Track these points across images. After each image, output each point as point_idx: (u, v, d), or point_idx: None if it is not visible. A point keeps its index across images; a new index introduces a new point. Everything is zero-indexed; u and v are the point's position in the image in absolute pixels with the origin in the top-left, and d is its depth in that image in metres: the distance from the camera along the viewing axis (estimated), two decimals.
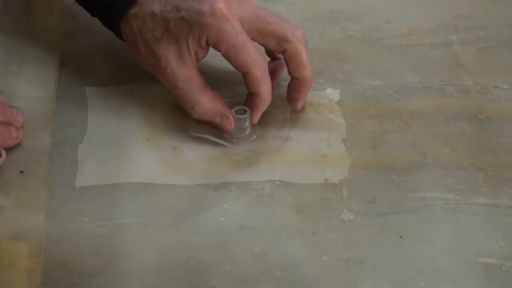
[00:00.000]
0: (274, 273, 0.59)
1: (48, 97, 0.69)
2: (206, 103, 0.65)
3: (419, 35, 0.76)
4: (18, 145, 0.65)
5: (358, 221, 0.62)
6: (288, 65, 0.67)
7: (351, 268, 0.60)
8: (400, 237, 0.61)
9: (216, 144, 0.67)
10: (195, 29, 0.63)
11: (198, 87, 0.65)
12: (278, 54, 0.69)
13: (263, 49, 0.69)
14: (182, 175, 0.65)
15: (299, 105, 0.68)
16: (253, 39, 0.65)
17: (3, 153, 0.64)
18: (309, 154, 0.66)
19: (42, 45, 0.73)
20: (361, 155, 0.66)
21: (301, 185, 0.64)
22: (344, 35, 0.76)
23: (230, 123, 0.66)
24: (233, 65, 0.65)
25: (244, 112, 0.66)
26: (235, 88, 0.69)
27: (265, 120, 0.67)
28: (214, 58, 0.66)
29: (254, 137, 0.67)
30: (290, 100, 0.68)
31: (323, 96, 0.70)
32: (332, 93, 0.71)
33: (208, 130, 0.67)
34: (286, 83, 0.70)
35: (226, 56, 0.64)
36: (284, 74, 0.70)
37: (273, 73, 0.68)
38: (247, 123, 0.67)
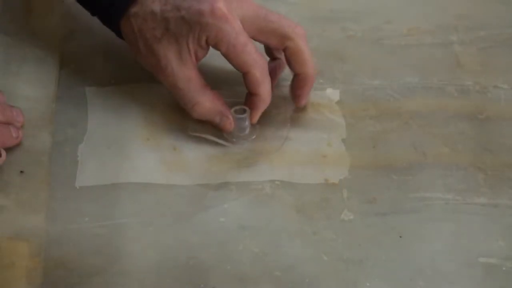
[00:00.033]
0: (274, 273, 0.59)
1: (48, 97, 0.69)
2: (206, 103, 0.65)
3: (419, 35, 0.76)
4: (18, 145, 0.65)
5: (358, 221, 0.62)
6: (290, 62, 0.67)
7: (351, 268, 0.60)
8: (400, 237, 0.61)
9: (216, 144, 0.67)
10: (195, 29, 0.63)
11: (198, 87, 0.65)
12: (278, 53, 0.69)
13: (262, 48, 0.69)
14: (182, 175, 0.65)
15: (303, 102, 0.68)
16: (254, 37, 0.66)
17: (3, 153, 0.64)
18: (309, 154, 0.66)
19: (42, 45, 0.73)
20: (361, 155, 0.66)
21: (301, 185, 0.64)
22: (344, 35, 0.76)
23: (229, 123, 0.66)
24: (233, 65, 0.65)
25: (244, 112, 0.66)
26: (235, 88, 0.69)
27: (265, 120, 0.67)
28: (214, 58, 0.66)
29: (253, 137, 0.67)
30: (293, 97, 0.68)
31: (323, 96, 0.70)
32: (332, 93, 0.71)
33: (207, 130, 0.67)
34: (286, 83, 0.71)
35: (226, 56, 0.64)
36: (284, 74, 0.71)
37: (272, 73, 0.68)
38: (247, 123, 0.67)
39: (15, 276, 0.58)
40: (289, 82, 0.71)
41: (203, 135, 0.67)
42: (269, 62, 0.69)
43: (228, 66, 0.65)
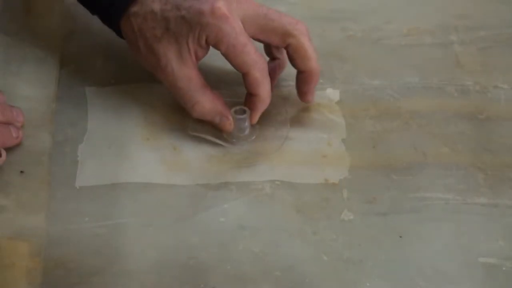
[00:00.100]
0: (274, 273, 0.59)
1: (48, 97, 0.69)
2: (206, 103, 0.65)
3: (419, 35, 0.76)
4: (18, 145, 0.65)
5: (358, 221, 0.62)
6: (293, 60, 0.67)
7: (351, 268, 0.60)
8: (400, 237, 0.61)
9: (216, 144, 0.67)
10: (195, 29, 0.63)
11: (198, 87, 0.65)
12: (278, 53, 0.69)
13: (262, 48, 0.69)
14: (182, 175, 0.65)
15: (310, 98, 0.68)
16: (255, 36, 0.66)
17: (3, 153, 0.64)
18: (309, 154, 0.66)
19: (42, 45, 0.73)
20: (361, 155, 0.66)
21: (301, 185, 0.64)
22: (344, 35, 0.76)
23: (229, 124, 0.66)
24: (232, 65, 0.65)
25: (244, 112, 0.66)
26: (235, 88, 0.69)
27: (265, 120, 0.67)
28: (214, 58, 0.66)
29: (253, 137, 0.67)
30: (300, 94, 0.68)
31: (323, 96, 0.70)
32: (332, 93, 0.71)
33: (207, 129, 0.67)
34: (286, 83, 0.71)
35: (226, 56, 0.64)
36: (284, 74, 0.71)
37: (272, 73, 0.68)
38: (247, 123, 0.67)
39: (15, 276, 0.58)
40: (289, 82, 0.71)
41: (203, 136, 0.67)
42: (268, 62, 0.69)
43: (228, 66, 0.65)
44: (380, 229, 0.62)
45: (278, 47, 0.69)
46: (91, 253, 0.60)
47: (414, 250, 0.61)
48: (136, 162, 0.65)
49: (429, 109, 0.70)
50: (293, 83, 0.70)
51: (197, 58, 0.65)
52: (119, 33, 0.68)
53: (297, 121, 0.69)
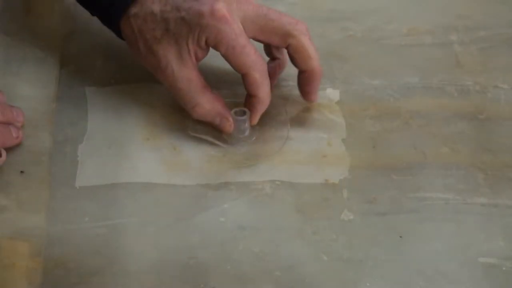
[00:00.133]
0: (274, 273, 0.59)
1: (48, 97, 0.69)
2: (206, 104, 0.65)
3: (419, 35, 0.76)
4: (18, 145, 0.65)
5: (358, 221, 0.62)
6: (294, 60, 0.67)
7: (351, 268, 0.60)
8: (400, 237, 0.61)
9: (216, 144, 0.67)
10: (194, 30, 0.63)
11: (198, 88, 0.65)
12: (278, 53, 0.69)
13: (261, 49, 0.69)
14: (182, 175, 0.65)
15: (314, 97, 0.68)
16: (255, 37, 0.66)
17: (3, 153, 0.64)
18: (309, 154, 0.66)
19: (42, 45, 0.73)
20: (361, 155, 0.66)
21: (301, 185, 0.64)
22: (344, 35, 0.76)
23: (229, 125, 0.66)
24: (232, 66, 0.65)
25: (244, 113, 0.66)
26: (235, 89, 0.69)
27: (264, 121, 0.67)
28: (214, 58, 0.66)
29: (253, 138, 0.67)
30: (303, 94, 0.68)
31: (323, 96, 0.70)
32: (332, 93, 0.71)
33: (207, 130, 0.67)
34: (286, 83, 0.71)
35: (225, 57, 0.64)
36: (284, 74, 0.71)
37: (272, 73, 0.68)
38: (247, 125, 0.67)
39: (15, 276, 0.58)
40: (289, 82, 0.71)
41: (202, 136, 0.67)
42: (268, 62, 0.69)
43: (228, 66, 0.65)
44: (380, 229, 0.62)
45: (278, 47, 0.69)
46: (91, 253, 0.60)
47: (414, 250, 0.61)
48: (136, 162, 0.65)
49: (429, 109, 0.70)
50: (293, 83, 0.70)
51: (197, 59, 0.65)
52: (119, 34, 0.68)
53: (297, 121, 0.68)
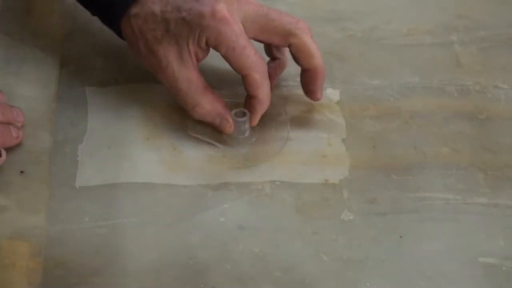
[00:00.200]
0: (274, 273, 0.59)
1: (48, 97, 0.69)
2: (207, 104, 0.65)
3: (419, 35, 0.76)
4: (18, 145, 0.65)
5: (358, 221, 0.62)
6: (297, 59, 0.67)
7: (351, 268, 0.60)
8: (400, 237, 0.61)
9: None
10: (195, 31, 0.63)
11: (198, 89, 0.65)
12: (278, 53, 0.69)
13: (261, 49, 0.69)
14: (182, 175, 0.65)
15: (319, 95, 0.68)
16: (256, 37, 0.66)
17: (3, 153, 0.64)
18: (309, 154, 0.66)
19: (42, 45, 0.73)
20: (361, 155, 0.66)
21: (301, 185, 0.64)
22: (344, 35, 0.76)
23: (229, 126, 0.66)
24: (232, 67, 0.65)
25: (244, 115, 0.66)
26: (236, 89, 0.69)
27: (264, 122, 0.67)
28: (214, 58, 0.66)
29: (253, 139, 0.67)
30: (307, 93, 0.68)
31: (323, 96, 0.70)
32: (332, 93, 0.71)
33: (207, 130, 0.67)
34: (285, 83, 0.71)
35: (226, 58, 0.64)
36: (284, 74, 0.71)
37: (272, 73, 0.68)
38: (247, 126, 0.66)
39: (15, 276, 0.58)
40: (289, 82, 0.71)
41: (202, 137, 0.67)
42: (269, 62, 0.69)
43: (228, 66, 0.65)
44: (380, 229, 0.62)
45: (279, 47, 0.69)
46: (91, 253, 0.60)
47: (414, 250, 0.61)
48: (136, 162, 0.65)
49: (429, 109, 0.70)
50: (293, 83, 0.70)
51: (198, 60, 0.65)
52: (119, 33, 0.68)
53: (297, 121, 0.68)
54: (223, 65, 0.66)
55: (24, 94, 0.69)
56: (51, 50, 0.73)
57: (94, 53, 0.73)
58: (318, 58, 0.66)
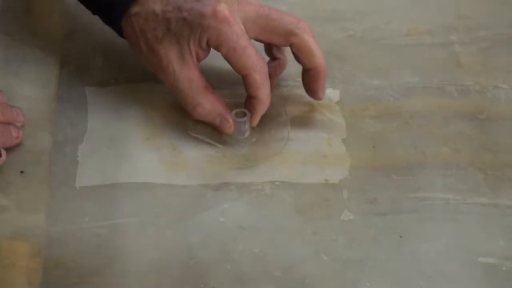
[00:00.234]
0: (274, 273, 0.59)
1: (48, 97, 0.69)
2: (207, 104, 0.65)
3: (419, 35, 0.76)
4: (18, 145, 0.65)
5: (358, 221, 0.62)
6: (299, 58, 0.67)
7: (351, 268, 0.60)
8: (400, 237, 0.61)
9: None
10: (196, 31, 0.63)
11: (199, 89, 0.65)
12: (278, 53, 0.69)
13: (261, 49, 0.69)
14: (182, 175, 0.65)
15: (321, 95, 0.68)
16: (257, 37, 0.66)
17: (3, 153, 0.64)
18: (309, 154, 0.66)
19: (42, 45, 0.73)
20: (361, 155, 0.66)
21: (301, 185, 0.64)
22: (344, 35, 0.76)
23: (229, 126, 0.66)
24: (233, 67, 0.65)
25: (244, 115, 0.66)
26: (236, 88, 0.69)
27: (265, 122, 0.67)
28: (215, 58, 0.66)
29: (253, 140, 0.67)
30: (309, 92, 0.68)
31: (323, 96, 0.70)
32: (332, 93, 0.71)
33: (207, 130, 0.67)
34: (285, 83, 0.71)
35: (226, 58, 0.64)
36: (284, 74, 0.71)
37: (272, 73, 0.68)
38: (247, 126, 0.66)
39: (15, 276, 0.58)
40: (289, 82, 0.71)
41: (202, 137, 0.67)
42: (269, 62, 0.69)
43: (228, 66, 0.65)
44: (380, 229, 0.62)
45: (279, 47, 0.69)
46: (91, 253, 0.60)
47: (414, 250, 0.61)
48: (136, 162, 0.65)
49: (429, 109, 0.70)
50: (293, 83, 0.70)
51: (198, 60, 0.65)
52: (120, 33, 0.68)
53: (297, 121, 0.68)
54: (224, 65, 0.66)
55: (24, 94, 0.69)
56: (51, 50, 0.73)
57: (94, 53, 0.73)
58: (319, 58, 0.66)
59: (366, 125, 0.69)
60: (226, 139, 0.67)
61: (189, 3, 0.64)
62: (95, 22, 0.69)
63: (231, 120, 0.66)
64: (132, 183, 0.64)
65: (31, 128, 0.67)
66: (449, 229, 0.62)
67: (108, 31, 0.69)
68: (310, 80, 0.67)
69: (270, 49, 0.69)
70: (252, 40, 0.65)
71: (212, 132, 0.67)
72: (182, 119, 0.68)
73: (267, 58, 0.69)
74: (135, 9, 0.65)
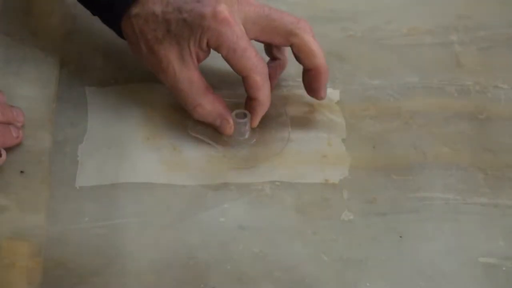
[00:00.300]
0: (274, 273, 0.59)
1: (48, 97, 0.69)
2: (208, 105, 0.65)
3: (419, 35, 0.76)
4: (18, 145, 0.65)
5: (358, 221, 0.62)
6: (299, 58, 0.66)
7: (351, 268, 0.60)
8: (400, 237, 0.61)
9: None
10: (196, 32, 0.63)
11: (199, 89, 0.65)
12: (278, 53, 0.69)
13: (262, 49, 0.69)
14: (182, 175, 0.65)
15: (322, 94, 0.67)
16: (258, 38, 0.66)
17: (3, 153, 0.64)
18: (309, 154, 0.66)
19: (42, 45, 0.73)
20: (361, 155, 0.66)
21: (301, 185, 0.64)
22: (344, 35, 0.76)
23: (230, 127, 0.66)
24: (233, 68, 0.64)
25: (244, 116, 0.66)
26: (236, 89, 0.69)
27: (265, 123, 0.67)
28: (215, 59, 0.66)
29: (253, 141, 0.67)
30: (310, 92, 0.67)
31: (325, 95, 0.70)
32: (332, 93, 0.71)
33: (207, 130, 0.67)
34: (285, 83, 0.71)
35: (226, 60, 0.64)
36: (284, 74, 0.71)
37: (272, 73, 0.68)
38: (247, 127, 0.66)
39: (15, 276, 0.58)
40: (289, 82, 0.71)
41: (202, 137, 0.67)
42: (269, 62, 0.69)
43: (228, 67, 0.65)
44: (380, 229, 0.62)
45: (279, 47, 0.69)
46: (91, 253, 0.60)
47: (414, 250, 0.61)
48: (136, 162, 0.65)
49: (429, 109, 0.70)
50: (293, 83, 0.70)
51: (199, 60, 0.65)
52: (120, 33, 0.68)
53: (297, 121, 0.68)
54: (224, 65, 0.66)
55: (24, 94, 0.69)
56: (51, 50, 0.73)
57: (94, 53, 0.73)
58: (320, 57, 0.66)
59: (366, 125, 0.69)
60: (226, 140, 0.67)
61: (189, 4, 0.64)
62: (95, 22, 0.69)
63: (231, 121, 0.66)
64: (132, 183, 0.64)
65: (31, 128, 0.67)
66: (449, 229, 0.62)
67: (108, 31, 0.69)
68: (311, 80, 0.67)
69: (270, 49, 0.69)
70: (252, 40, 0.65)
71: (212, 132, 0.67)
72: (182, 119, 0.68)
73: (267, 58, 0.69)
74: (135, 10, 0.65)
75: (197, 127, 0.67)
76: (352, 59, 0.74)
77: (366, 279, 0.59)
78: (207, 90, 0.65)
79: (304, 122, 0.69)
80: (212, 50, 0.65)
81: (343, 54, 0.74)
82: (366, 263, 0.60)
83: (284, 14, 0.65)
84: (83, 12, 0.70)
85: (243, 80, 0.65)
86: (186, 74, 0.65)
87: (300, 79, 0.68)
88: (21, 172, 0.64)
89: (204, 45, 0.64)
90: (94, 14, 0.69)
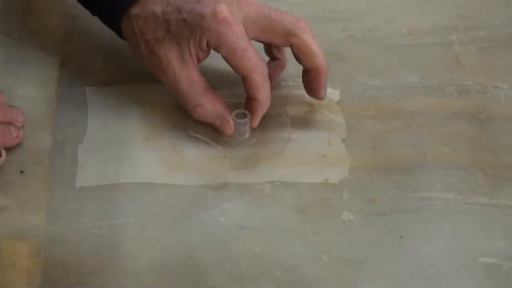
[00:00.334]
0: (274, 273, 0.59)
1: (48, 97, 0.69)
2: (208, 105, 0.65)
3: (419, 35, 0.76)
4: (18, 145, 0.65)
5: (358, 221, 0.62)
6: (299, 58, 0.66)
7: (351, 268, 0.60)
8: (400, 237, 0.61)
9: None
10: (196, 32, 0.63)
11: (199, 89, 0.65)
12: (278, 53, 0.69)
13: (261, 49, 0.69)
14: (182, 175, 0.65)
15: (322, 94, 0.67)
16: (257, 38, 0.66)
17: (3, 153, 0.64)
18: (309, 154, 0.66)
19: (42, 45, 0.73)
20: (361, 155, 0.66)
21: (301, 185, 0.64)
22: (344, 35, 0.76)
23: (230, 127, 0.66)
24: (233, 68, 0.64)
25: (244, 116, 0.66)
26: (236, 89, 0.69)
27: (265, 123, 0.67)
28: (215, 59, 0.66)
29: (253, 141, 0.67)
30: (310, 92, 0.67)
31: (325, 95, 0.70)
32: (332, 93, 0.71)
33: (207, 130, 0.67)
34: (285, 83, 0.71)
35: (226, 60, 0.64)
36: (284, 74, 0.71)
37: (272, 73, 0.68)
38: (247, 127, 0.66)
39: (15, 276, 0.58)
40: (289, 82, 0.71)
41: (202, 137, 0.67)
42: (269, 62, 0.69)
43: (228, 67, 0.65)
44: (380, 229, 0.62)
45: (279, 47, 0.69)
46: (91, 253, 0.60)
47: (414, 250, 0.61)
48: (136, 162, 0.65)
49: (429, 109, 0.70)
50: (293, 83, 0.70)
51: (198, 61, 0.65)
52: (119, 34, 0.68)
53: (297, 121, 0.68)
54: (224, 65, 0.66)
55: (24, 94, 0.69)
56: (51, 50, 0.73)
57: (94, 53, 0.73)
58: (320, 58, 0.66)
59: (366, 125, 0.69)
60: (226, 140, 0.67)
61: (189, 4, 0.64)
62: (95, 22, 0.69)
63: (231, 121, 0.66)
64: (132, 183, 0.64)
65: (31, 128, 0.67)
66: (449, 229, 0.62)
67: (108, 31, 0.69)
68: (311, 80, 0.67)
69: (270, 49, 0.69)
70: (252, 40, 0.65)
71: (212, 132, 0.67)
72: (182, 119, 0.68)
73: (267, 59, 0.69)
74: (135, 10, 0.65)
75: (197, 127, 0.67)
76: (352, 59, 0.74)
77: (366, 279, 0.59)
78: (207, 90, 0.65)
79: (304, 122, 0.69)
80: (212, 50, 0.65)
81: (343, 54, 0.74)
82: (366, 263, 0.60)
83: (284, 14, 0.65)
84: (83, 12, 0.70)
85: (243, 80, 0.65)
86: (186, 74, 0.65)
87: (300, 79, 0.68)
88: (21, 172, 0.64)
89: (204, 45, 0.64)
90: (94, 14, 0.69)
